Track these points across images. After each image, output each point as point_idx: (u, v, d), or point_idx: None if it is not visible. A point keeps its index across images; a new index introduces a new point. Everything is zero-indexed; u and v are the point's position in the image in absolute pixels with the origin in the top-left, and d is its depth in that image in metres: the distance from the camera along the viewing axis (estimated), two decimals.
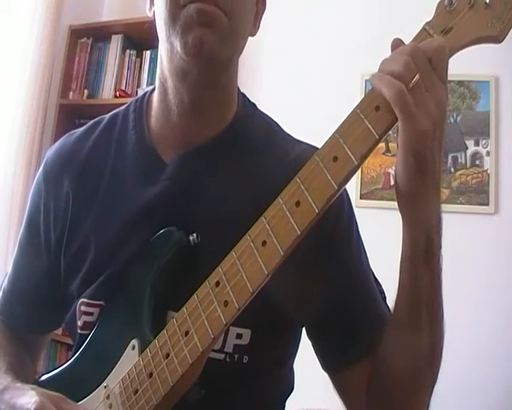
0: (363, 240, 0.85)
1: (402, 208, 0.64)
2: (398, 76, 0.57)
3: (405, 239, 0.66)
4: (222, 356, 0.75)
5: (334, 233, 0.79)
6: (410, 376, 0.71)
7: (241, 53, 0.82)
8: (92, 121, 0.92)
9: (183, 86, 0.78)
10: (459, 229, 2.19)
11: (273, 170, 0.78)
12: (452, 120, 2.36)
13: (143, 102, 0.88)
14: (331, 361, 0.83)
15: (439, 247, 0.66)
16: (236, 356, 0.76)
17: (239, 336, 0.75)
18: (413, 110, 0.57)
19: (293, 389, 0.89)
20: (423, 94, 0.58)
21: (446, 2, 0.59)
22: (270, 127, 0.88)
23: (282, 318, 0.77)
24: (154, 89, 0.86)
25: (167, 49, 0.77)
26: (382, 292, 0.83)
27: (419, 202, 0.62)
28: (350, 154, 0.58)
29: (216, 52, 0.74)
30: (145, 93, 0.89)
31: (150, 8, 0.83)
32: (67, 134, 0.93)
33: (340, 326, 0.79)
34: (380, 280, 0.84)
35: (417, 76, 0.57)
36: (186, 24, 0.72)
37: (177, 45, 0.74)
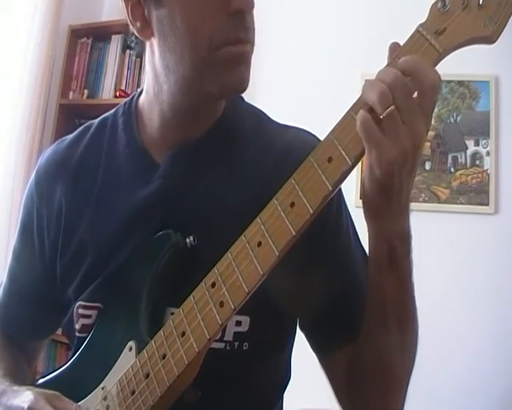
0: (355, 224, 0.85)
1: (366, 218, 0.64)
2: (370, 106, 0.57)
3: (369, 246, 0.67)
4: (222, 345, 0.76)
5: (324, 226, 0.78)
6: (380, 368, 0.72)
7: None
8: (82, 126, 0.92)
9: (180, 105, 0.79)
10: (459, 229, 2.20)
11: (264, 160, 0.79)
12: (452, 120, 2.36)
13: (132, 105, 0.87)
14: (322, 345, 0.84)
15: (406, 255, 0.66)
16: (236, 344, 0.76)
17: (238, 323, 0.76)
18: (379, 139, 0.56)
19: (290, 379, 0.90)
20: (397, 124, 0.56)
21: (440, 3, 0.59)
22: (258, 117, 0.89)
23: (279, 307, 0.77)
24: (142, 91, 0.86)
25: (183, 86, 0.76)
26: None
27: (382, 218, 0.63)
28: (344, 154, 0.59)
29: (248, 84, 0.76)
30: (133, 96, 0.89)
31: (142, 30, 0.77)
32: (58, 141, 0.93)
33: (332, 314, 0.79)
34: None
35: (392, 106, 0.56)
36: (225, 68, 0.73)
37: (211, 87, 0.75)
